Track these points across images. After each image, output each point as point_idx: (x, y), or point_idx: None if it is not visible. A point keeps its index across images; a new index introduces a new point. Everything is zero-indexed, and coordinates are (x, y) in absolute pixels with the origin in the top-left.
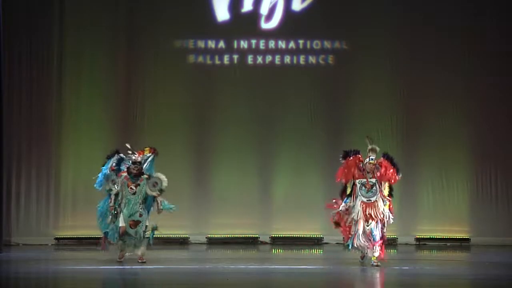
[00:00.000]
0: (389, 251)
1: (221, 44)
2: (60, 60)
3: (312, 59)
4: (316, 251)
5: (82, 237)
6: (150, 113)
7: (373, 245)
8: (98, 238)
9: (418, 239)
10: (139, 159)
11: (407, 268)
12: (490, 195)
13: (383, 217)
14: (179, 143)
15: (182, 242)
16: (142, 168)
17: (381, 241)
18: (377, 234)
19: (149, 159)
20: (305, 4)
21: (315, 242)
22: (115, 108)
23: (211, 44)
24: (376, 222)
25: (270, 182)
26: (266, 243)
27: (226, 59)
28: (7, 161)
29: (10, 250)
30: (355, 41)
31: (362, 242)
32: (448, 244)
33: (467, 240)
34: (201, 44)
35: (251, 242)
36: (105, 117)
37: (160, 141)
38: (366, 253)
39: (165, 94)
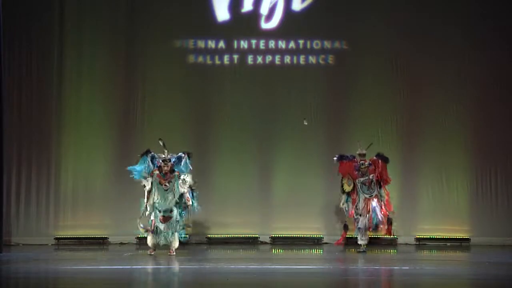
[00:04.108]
0: (389, 251)
1: (221, 44)
2: (60, 60)
3: (312, 59)
4: (316, 251)
5: (82, 237)
6: (150, 113)
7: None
8: (98, 238)
9: (418, 239)
10: (169, 156)
11: (407, 268)
12: (490, 195)
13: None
14: (179, 143)
15: (182, 242)
16: (173, 165)
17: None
18: (376, 222)
19: (183, 160)
20: (305, 4)
21: (315, 242)
22: (115, 108)
23: (211, 44)
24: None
25: (270, 182)
26: (266, 243)
27: (226, 59)
28: (7, 161)
29: (10, 250)
30: (355, 41)
31: (362, 227)
32: (448, 244)
33: (467, 240)
34: (201, 44)
35: (251, 242)
36: (105, 117)
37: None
38: (366, 244)
39: (165, 94)
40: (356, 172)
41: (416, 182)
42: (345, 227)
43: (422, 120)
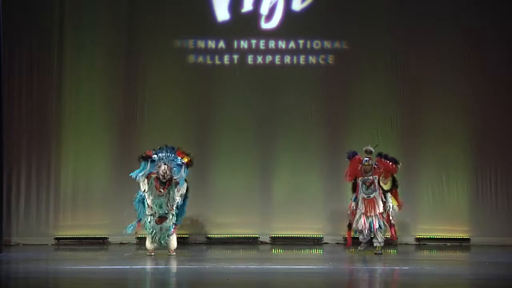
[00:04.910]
0: (389, 251)
1: (221, 44)
2: (60, 60)
3: (312, 59)
4: (316, 251)
5: (82, 237)
6: (150, 113)
7: (374, 235)
8: (98, 238)
9: (418, 239)
10: (168, 174)
11: (407, 268)
12: (490, 195)
13: (386, 210)
14: (179, 143)
15: (182, 242)
16: (171, 177)
17: (392, 228)
18: (377, 226)
19: (183, 169)
20: (305, 4)
21: (315, 242)
22: (115, 108)
23: (211, 44)
24: (375, 216)
25: (270, 182)
26: (266, 243)
27: (226, 59)
28: (7, 161)
29: (10, 250)
30: (355, 41)
31: (361, 229)
32: (448, 244)
33: (467, 240)
34: (201, 44)
35: (251, 242)
36: (105, 117)
37: (160, 141)
38: (366, 242)
39: (165, 94)
40: (360, 170)
41: (416, 182)
42: (349, 226)
43: (422, 120)
